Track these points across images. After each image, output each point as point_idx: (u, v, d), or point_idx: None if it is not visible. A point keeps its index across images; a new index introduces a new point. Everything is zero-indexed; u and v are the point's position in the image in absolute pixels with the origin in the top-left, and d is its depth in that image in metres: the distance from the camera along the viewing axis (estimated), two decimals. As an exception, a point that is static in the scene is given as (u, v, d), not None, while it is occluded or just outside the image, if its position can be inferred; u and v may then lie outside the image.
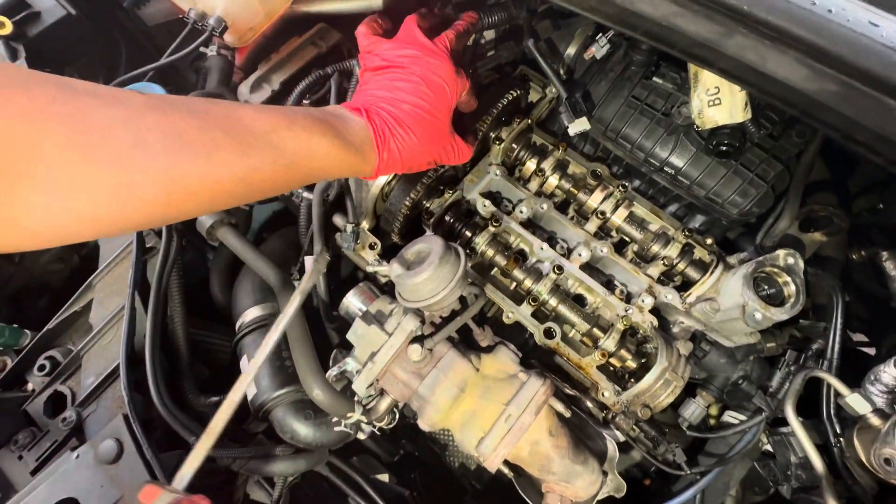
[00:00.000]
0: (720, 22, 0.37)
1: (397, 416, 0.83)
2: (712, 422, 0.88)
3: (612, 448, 0.77)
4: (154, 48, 0.97)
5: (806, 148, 0.75)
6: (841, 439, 0.67)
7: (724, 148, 0.73)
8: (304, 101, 0.87)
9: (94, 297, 0.69)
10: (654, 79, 0.79)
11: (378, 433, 0.83)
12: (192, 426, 0.61)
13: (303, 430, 0.66)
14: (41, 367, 0.67)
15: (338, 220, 0.84)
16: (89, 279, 0.70)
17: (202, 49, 1.00)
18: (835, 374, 0.69)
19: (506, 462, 0.71)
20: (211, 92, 0.86)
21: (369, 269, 0.76)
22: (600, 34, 0.80)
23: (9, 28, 0.69)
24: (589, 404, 0.78)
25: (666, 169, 0.83)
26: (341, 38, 1.02)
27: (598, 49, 0.81)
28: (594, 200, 0.83)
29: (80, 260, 0.84)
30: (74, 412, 0.62)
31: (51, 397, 0.65)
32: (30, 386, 0.68)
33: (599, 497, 0.76)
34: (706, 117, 0.73)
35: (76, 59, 0.81)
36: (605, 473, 0.71)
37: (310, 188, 0.83)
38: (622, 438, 0.79)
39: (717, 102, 0.72)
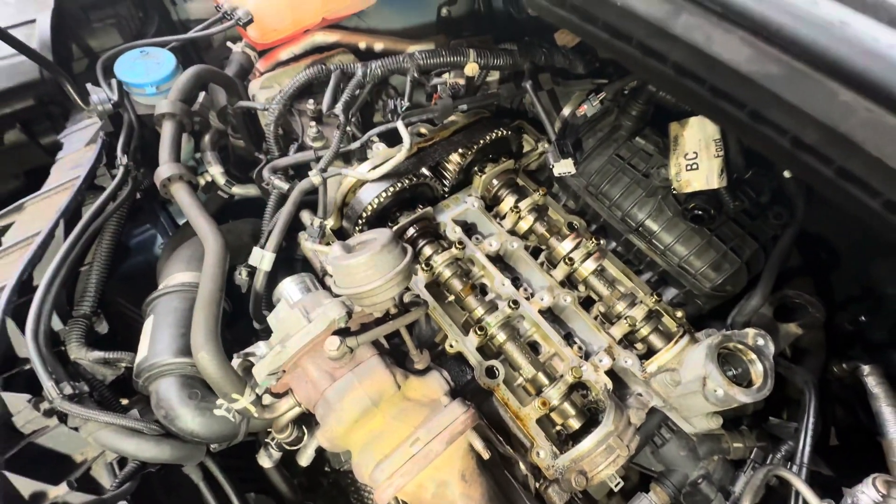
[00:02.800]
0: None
1: (304, 434, 0.73)
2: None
3: None
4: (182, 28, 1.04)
5: (783, 232, 0.73)
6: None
7: (699, 213, 0.72)
8: (309, 103, 0.88)
9: (18, 219, 0.65)
10: (638, 139, 0.81)
11: (281, 456, 0.72)
12: (57, 371, 0.53)
13: (182, 411, 0.56)
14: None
15: (305, 216, 0.82)
16: (22, 200, 0.66)
17: (229, 44, 1.08)
18: (804, 480, 0.59)
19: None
20: (220, 74, 0.89)
21: (315, 245, 0.72)
22: (593, 94, 0.84)
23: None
24: (523, 469, 0.68)
25: (641, 230, 0.81)
26: (359, 63, 1.09)
27: (590, 108, 0.85)
28: (564, 247, 0.80)
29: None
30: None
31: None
32: None
33: None
34: (683, 180, 0.73)
35: (103, 16, 0.87)
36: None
37: (284, 176, 0.82)
38: None
39: (695, 167, 0.72)
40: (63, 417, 0.53)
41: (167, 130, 0.76)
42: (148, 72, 0.82)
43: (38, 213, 0.65)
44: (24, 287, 0.57)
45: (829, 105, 0.35)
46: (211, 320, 0.54)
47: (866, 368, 0.76)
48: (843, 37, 0.33)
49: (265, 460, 0.77)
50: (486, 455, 0.55)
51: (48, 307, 0.56)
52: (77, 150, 0.73)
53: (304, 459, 0.75)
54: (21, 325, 0.54)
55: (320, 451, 0.72)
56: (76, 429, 0.53)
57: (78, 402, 0.51)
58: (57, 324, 0.59)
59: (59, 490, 0.49)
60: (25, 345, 0.53)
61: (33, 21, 0.74)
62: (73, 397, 0.52)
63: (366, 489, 0.88)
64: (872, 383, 0.76)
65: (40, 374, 0.51)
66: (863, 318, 0.83)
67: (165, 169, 0.71)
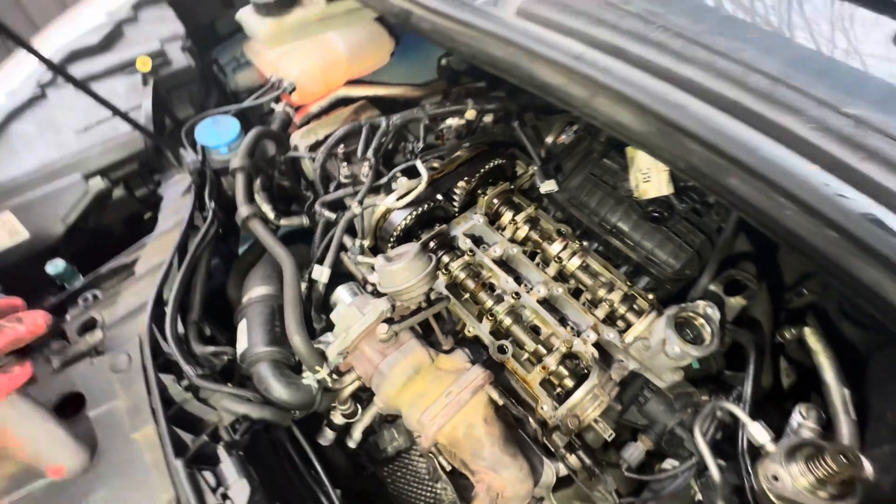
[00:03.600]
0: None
1: (358, 409, 0.93)
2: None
3: (550, 473, 0.83)
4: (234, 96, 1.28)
5: (724, 225, 0.93)
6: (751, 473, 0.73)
7: (656, 214, 0.92)
8: (338, 144, 1.11)
9: (142, 254, 0.87)
10: (606, 160, 1.02)
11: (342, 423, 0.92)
12: (178, 360, 0.74)
13: (276, 386, 0.77)
14: (84, 299, 0.83)
15: (346, 238, 1.03)
16: (143, 239, 0.89)
17: (273, 105, 1.33)
18: (748, 414, 0.77)
19: (441, 452, 0.78)
20: (270, 131, 1.12)
21: (360, 258, 0.93)
22: (569, 125, 1.06)
23: (149, 66, 0.99)
24: (533, 425, 0.86)
25: (615, 231, 1.01)
26: (376, 113, 1.32)
27: (568, 137, 1.06)
28: (554, 249, 1.00)
29: (132, 227, 1.04)
30: (101, 332, 0.76)
31: (84, 322, 0.79)
32: (68, 317, 0.83)
33: (535, 521, 0.81)
34: (641, 190, 0.94)
35: (180, 93, 1.11)
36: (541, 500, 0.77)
37: (329, 208, 1.04)
38: (564, 472, 0.85)
39: (648, 179, 0.93)
40: (196, 392, 0.74)
41: (240, 180, 0.99)
42: (220, 135, 1.05)
43: (158, 248, 0.87)
44: (158, 302, 0.79)
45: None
46: (298, 315, 0.75)
47: (807, 330, 0.94)
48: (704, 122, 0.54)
49: (323, 439, 0.97)
50: (500, 402, 0.75)
51: (175, 315, 0.78)
52: (176, 200, 0.96)
53: (356, 433, 0.94)
54: (160, 329, 0.76)
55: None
56: (205, 400, 0.74)
57: (206, 380, 0.72)
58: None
59: (200, 440, 0.70)
60: (166, 341, 0.74)
61: (139, 106, 0.98)
62: (203, 376, 0.73)
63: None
64: (812, 341, 0.94)
65: (180, 360, 0.72)
66: (804, 291, 1.01)
67: (244, 209, 0.93)
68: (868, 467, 0.59)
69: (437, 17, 0.66)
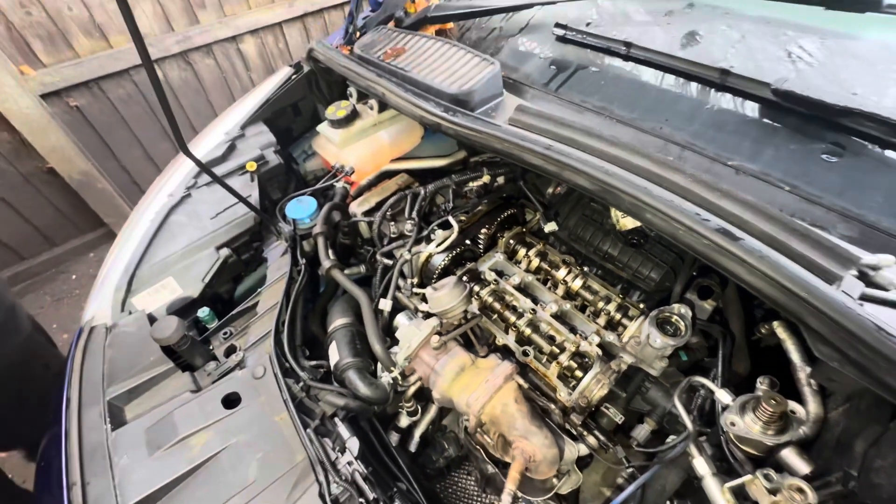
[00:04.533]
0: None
1: (418, 409, 1.20)
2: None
3: (573, 451, 1.06)
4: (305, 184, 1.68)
5: (689, 245, 1.20)
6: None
7: (635, 241, 1.20)
8: (389, 210, 1.47)
9: (261, 299, 1.22)
10: (593, 203, 1.32)
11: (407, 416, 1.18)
12: (297, 371, 1.05)
13: (361, 385, 1.06)
14: (225, 333, 1.17)
15: (400, 280, 1.36)
16: (259, 290, 1.24)
17: (333, 182, 1.73)
18: (719, 387, 1.00)
19: (485, 429, 1.04)
20: (336, 203, 1.50)
21: (414, 290, 1.24)
22: (562, 180, 1.37)
23: (255, 167, 1.39)
24: (557, 413, 1.11)
25: (607, 257, 1.29)
26: (414, 181, 1.70)
27: (562, 188, 1.38)
28: (561, 274, 1.29)
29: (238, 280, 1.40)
30: (242, 354, 1.09)
31: (227, 348, 1.13)
32: (216, 345, 1.17)
33: (563, 490, 1.03)
34: (621, 224, 1.22)
35: (273, 183, 1.51)
36: (563, 474, 1.01)
37: (386, 257, 1.38)
38: (585, 451, 1.08)
39: (625, 215, 1.21)
40: (307, 391, 1.04)
41: (321, 242, 1.35)
42: (303, 210, 1.43)
43: (271, 294, 1.21)
44: (277, 331, 1.12)
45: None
46: (376, 331, 1.06)
47: (776, 322, 1.16)
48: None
49: (391, 440, 1.23)
50: (525, 385, 1.01)
51: (289, 339, 1.11)
52: (278, 259, 1.32)
53: (416, 435, 1.21)
54: (280, 349, 1.08)
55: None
56: (314, 397, 1.04)
57: (315, 382, 1.03)
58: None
59: (317, 420, 0.99)
60: (286, 357, 1.06)
61: (250, 195, 1.37)
62: (313, 380, 1.03)
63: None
64: (780, 332, 1.16)
65: (297, 370, 1.04)
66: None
67: (327, 262, 1.28)
68: (791, 403, 0.82)
69: (457, 126, 1.01)
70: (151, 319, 1.15)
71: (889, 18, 0.78)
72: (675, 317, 1.10)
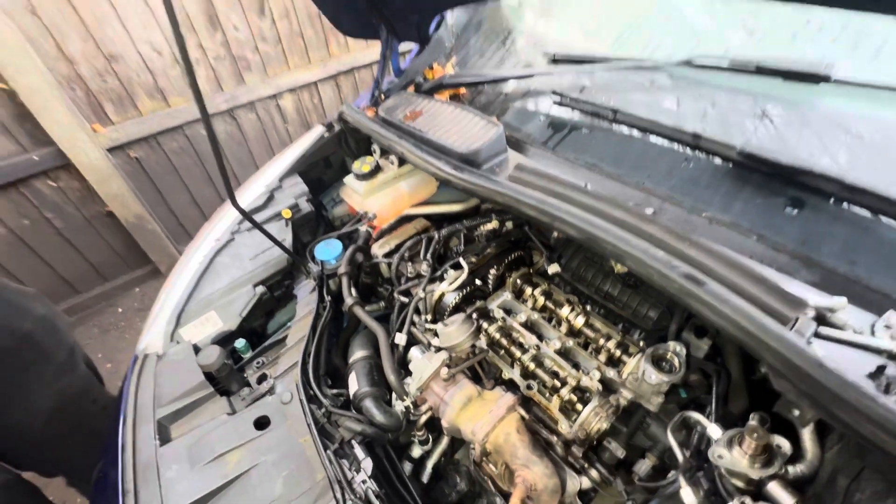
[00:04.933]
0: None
1: (429, 438, 1.28)
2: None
3: (574, 483, 1.12)
4: (333, 227, 1.86)
5: (684, 286, 1.27)
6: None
7: (632, 282, 1.29)
8: (406, 252, 1.62)
9: (290, 333, 1.36)
10: (593, 247, 1.43)
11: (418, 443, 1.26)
12: (320, 398, 1.16)
13: (377, 413, 1.16)
14: (258, 363, 1.31)
15: (415, 317, 1.48)
16: (289, 324, 1.38)
17: (358, 226, 1.90)
18: (713, 423, 1.05)
19: (490, 458, 1.11)
20: (359, 245, 1.66)
21: (427, 326, 1.35)
22: (565, 225, 1.49)
23: (290, 215, 1.58)
24: (559, 448, 1.17)
25: (607, 296, 1.38)
26: (431, 226, 1.85)
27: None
28: (564, 312, 1.38)
29: (270, 316, 1.55)
30: (272, 381, 1.22)
31: (259, 376, 1.26)
32: (249, 373, 1.31)
33: (565, 520, 1.08)
34: (618, 266, 1.32)
35: (304, 227, 1.69)
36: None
37: (403, 295, 1.51)
38: (587, 484, 1.14)
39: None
40: (329, 416, 1.15)
41: (345, 281, 1.50)
42: (330, 252, 1.59)
43: (299, 328, 1.35)
44: (304, 362, 1.25)
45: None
46: (392, 363, 1.17)
47: (763, 368, 1.20)
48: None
49: (407, 465, 1.31)
50: (527, 417, 1.09)
51: (314, 370, 1.23)
52: (306, 296, 1.47)
53: (428, 466, 1.29)
54: (306, 378, 1.21)
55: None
56: (335, 422, 1.15)
57: (337, 409, 1.14)
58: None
59: (336, 444, 1.09)
60: (311, 386, 1.19)
61: (285, 239, 1.55)
62: (334, 406, 1.15)
63: None
64: (770, 373, 1.20)
65: (321, 397, 1.15)
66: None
67: (350, 300, 1.42)
68: (777, 438, 0.87)
69: (464, 182, 1.16)
70: (196, 349, 1.30)
71: (839, 89, 0.89)
72: (670, 354, 1.16)
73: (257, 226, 1.31)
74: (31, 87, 2.60)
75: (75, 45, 2.73)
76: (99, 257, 3.44)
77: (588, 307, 1.40)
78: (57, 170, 2.94)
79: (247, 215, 1.23)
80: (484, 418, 1.08)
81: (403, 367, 1.33)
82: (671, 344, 1.18)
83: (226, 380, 1.20)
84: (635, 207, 0.91)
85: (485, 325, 1.40)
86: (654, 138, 1.09)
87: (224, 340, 1.38)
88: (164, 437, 1.07)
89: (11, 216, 2.90)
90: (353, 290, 1.52)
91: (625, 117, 1.12)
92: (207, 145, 3.49)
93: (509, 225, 1.59)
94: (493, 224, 1.54)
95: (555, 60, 1.40)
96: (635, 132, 1.13)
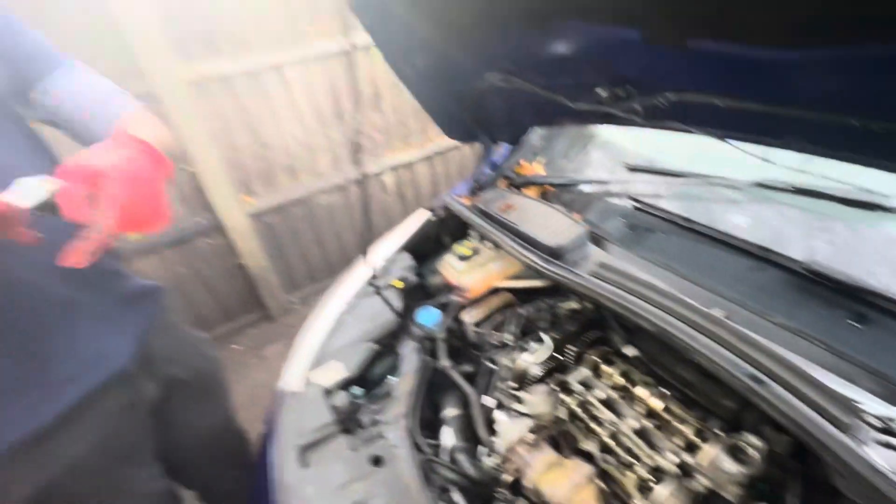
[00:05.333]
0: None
1: (512, 499, 1.42)
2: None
3: None
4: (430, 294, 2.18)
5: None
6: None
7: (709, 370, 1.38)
8: (493, 323, 1.86)
9: (397, 386, 1.63)
10: (669, 334, 1.55)
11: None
12: (422, 446, 1.39)
13: (468, 467, 1.36)
14: (371, 409, 1.58)
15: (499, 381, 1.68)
16: (390, 376, 1.66)
17: (452, 296, 2.19)
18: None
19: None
20: (453, 314, 1.93)
21: (513, 392, 1.55)
22: (642, 311, 1.64)
23: (401, 285, 1.92)
24: (634, 524, 1.26)
25: (685, 383, 1.47)
26: (514, 299, 2.08)
27: (643, 317, 1.64)
28: (643, 394, 1.49)
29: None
30: (383, 427, 1.48)
31: (373, 420, 1.53)
32: (361, 418, 1.58)
33: None
34: (694, 354, 1.42)
35: (409, 296, 2.02)
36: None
37: (490, 362, 1.73)
38: None
39: (698, 347, 1.42)
40: (429, 464, 1.37)
41: (442, 346, 1.76)
42: (430, 318, 1.89)
43: (404, 384, 1.62)
44: (407, 414, 1.50)
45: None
46: (483, 425, 1.38)
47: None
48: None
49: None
50: (605, 489, 1.21)
51: (416, 421, 1.47)
52: (410, 356, 1.75)
53: None
54: (410, 428, 1.45)
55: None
56: (434, 469, 1.36)
57: (435, 458, 1.36)
58: (414, 429, 1.49)
59: (433, 492, 1.30)
60: (414, 435, 1.42)
61: (395, 304, 1.88)
62: (433, 454, 1.37)
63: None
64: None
65: (422, 446, 1.38)
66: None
67: (445, 362, 1.67)
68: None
69: (550, 272, 1.40)
70: (325, 392, 1.62)
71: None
72: (747, 445, 1.22)
73: (380, 294, 1.65)
74: (207, 170, 3.42)
75: (242, 138, 3.56)
76: (227, 301, 4.13)
77: (665, 391, 1.50)
78: (212, 230, 3.71)
79: (377, 288, 1.57)
80: (564, 484, 1.23)
81: (490, 427, 1.52)
82: (748, 435, 1.24)
83: (348, 420, 1.48)
84: (706, 309, 1.08)
85: (564, 397, 1.55)
86: (725, 247, 1.25)
87: (344, 386, 1.69)
88: (303, 463, 1.36)
89: (176, 266, 3.67)
90: (447, 353, 1.77)
91: (698, 227, 1.30)
92: (322, 214, 4.17)
93: (589, 306, 1.77)
94: (573, 304, 1.73)
95: (632, 169, 1.64)
96: (708, 240, 1.30)
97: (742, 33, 0.71)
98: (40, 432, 0.97)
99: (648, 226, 1.46)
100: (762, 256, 1.13)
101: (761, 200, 1.26)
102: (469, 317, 2.11)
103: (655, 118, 1.08)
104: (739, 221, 1.23)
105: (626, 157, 1.68)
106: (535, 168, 2.10)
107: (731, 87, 0.81)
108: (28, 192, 0.69)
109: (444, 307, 2.19)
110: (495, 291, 2.19)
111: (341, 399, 1.46)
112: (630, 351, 1.60)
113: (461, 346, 1.97)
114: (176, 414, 1.53)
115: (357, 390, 1.65)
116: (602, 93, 1.12)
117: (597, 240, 1.55)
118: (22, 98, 0.98)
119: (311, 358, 1.72)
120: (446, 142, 4.52)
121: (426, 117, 3.98)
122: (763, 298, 1.09)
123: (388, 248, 2.15)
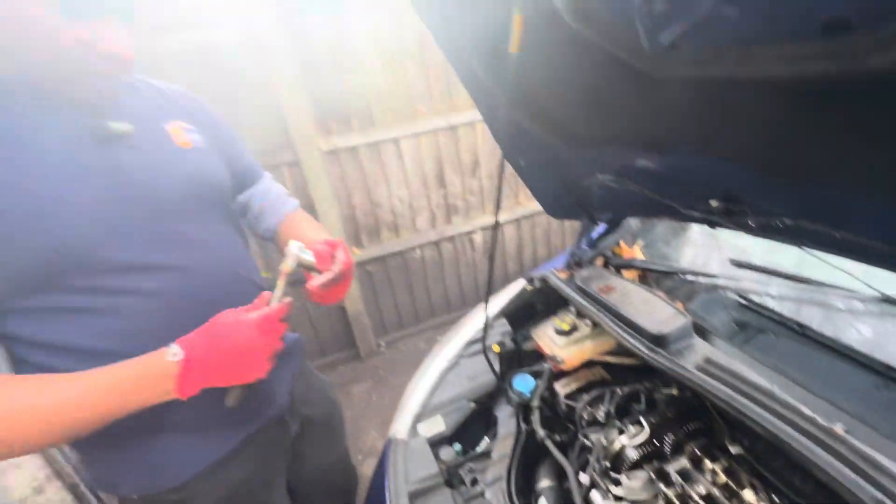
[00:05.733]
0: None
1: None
2: None
3: None
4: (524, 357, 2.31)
5: None
6: None
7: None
8: (588, 398, 1.93)
9: (494, 448, 1.76)
10: (780, 437, 1.52)
11: None
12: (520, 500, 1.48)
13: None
14: (469, 469, 1.72)
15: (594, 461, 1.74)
16: (486, 437, 1.79)
17: (545, 365, 2.30)
18: None
19: None
20: (547, 384, 2.03)
21: (608, 473, 1.59)
22: (748, 408, 1.62)
23: (499, 349, 2.09)
24: None
25: (797, 491, 1.41)
26: (606, 374, 2.14)
27: (749, 414, 1.61)
28: (748, 496, 1.46)
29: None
30: (482, 486, 1.60)
31: (472, 479, 1.67)
32: (461, 475, 1.72)
33: None
34: (810, 464, 1.38)
35: (506, 361, 2.18)
36: None
37: (584, 437, 1.80)
38: None
39: (814, 457, 1.37)
40: None
41: (535, 414, 1.87)
42: (525, 385, 2.01)
43: (501, 447, 1.75)
44: (507, 477, 1.62)
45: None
46: (580, 497, 1.45)
47: None
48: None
49: None
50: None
51: (513, 484, 1.58)
52: (506, 420, 1.88)
53: None
54: (509, 489, 1.56)
55: None
56: (530, 537, 1.44)
57: (532, 525, 1.45)
58: (511, 494, 1.59)
59: (531, 559, 1.38)
60: (511, 498, 1.53)
61: (494, 367, 2.04)
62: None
63: None
64: None
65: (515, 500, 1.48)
66: None
67: (541, 431, 1.77)
68: None
69: (654, 360, 1.48)
70: (429, 443, 1.80)
71: None
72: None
73: (486, 356, 1.83)
74: (328, 223, 3.98)
75: (358, 197, 4.11)
76: (325, 337, 4.57)
77: (774, 496, 1.45)
78: (323, 275, 4.23)
79: (484, 348, 1.76)
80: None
81: (585, 505, 1.57)
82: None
83: (452, 474, 1.63)
84: (825, 422, 1.11)
85: (662, 486, 1.56)
86: (844, 359, 1.26)
87: (445, 440, 1.86)
88: (413, 507, 1.52)
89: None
90: (541, 422, 1.87)
91: (814, 334, 1.32)
92: (416, 267, 4.54)
93: (689, 394, 1.78)
94: (673, 391, 1.76)
95: (737, 264, 1.69)
96: (824, 349, 1.31)
97: (864, 182, 0.80)
98: (219, 462, 1.17)
99: (758, 326, 1.49)
100: (888, 375, 1.12)
101: (884, 315, 1.25)
102: (562, 387, 2.19)
103: (769, 233, 1.17)
104: (861, 335, 1.22)
105: (729, 248, 1.72)
106: (634, 251, 2.20)
107: (849, 228, 0.89)
108: (297, 256, 1.13)
109: (537, 375, 2.30)
110: (588, 364, 2.25)
111: (447, 453, 1.62)
112: (735, 449, 1.58)
113: (552, 415, 2.04)
114: (305, 449, 1.79)
115: (457, 447, 1.80)
116: (715, 204, 1.24)
117: (702, 331, 1.60)
118: (231, 200, 1.31)
119: (417, 410, 1.93)
120: (534, 206, 4.75)
121: (519, 184, 4.34)
122: (888, 418, 1.08)
123: (489, 313, 2.35)
